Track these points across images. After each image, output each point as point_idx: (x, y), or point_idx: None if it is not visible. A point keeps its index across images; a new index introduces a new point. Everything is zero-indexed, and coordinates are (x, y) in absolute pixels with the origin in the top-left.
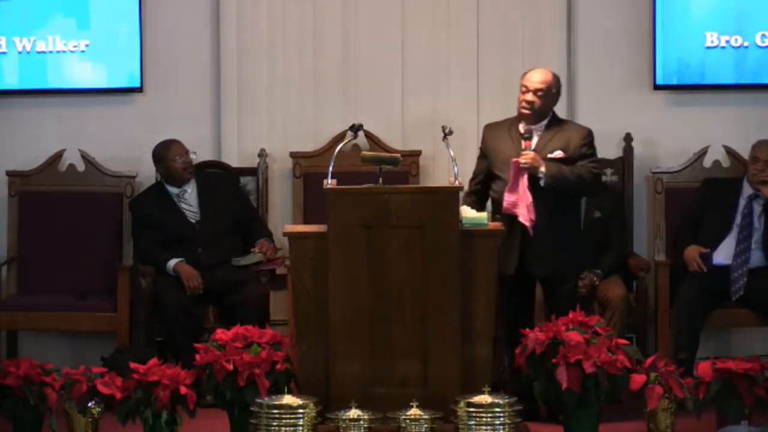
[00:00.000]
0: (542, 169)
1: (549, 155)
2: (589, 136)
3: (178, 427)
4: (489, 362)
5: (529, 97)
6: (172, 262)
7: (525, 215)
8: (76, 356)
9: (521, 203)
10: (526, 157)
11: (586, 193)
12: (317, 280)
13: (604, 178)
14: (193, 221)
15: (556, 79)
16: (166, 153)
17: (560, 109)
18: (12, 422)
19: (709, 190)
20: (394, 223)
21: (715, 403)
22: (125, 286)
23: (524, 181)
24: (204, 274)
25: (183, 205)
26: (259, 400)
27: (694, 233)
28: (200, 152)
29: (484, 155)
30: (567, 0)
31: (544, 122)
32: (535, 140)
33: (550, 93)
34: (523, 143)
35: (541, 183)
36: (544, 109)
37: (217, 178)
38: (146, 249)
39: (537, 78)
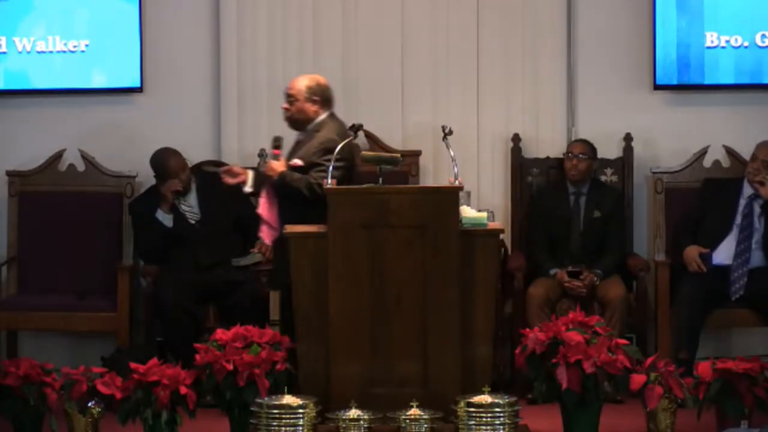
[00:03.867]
0: (275, 178)
1: (289, 163)
2: (321, 145)
3: (178, 427)
4: (489, 362)
5: (283, 104)
6: (159, 211)
7: (266, 232)
8: (76, 356)
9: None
10: (266, 167)
11: (308, 202)
12: (317, 280)
13: (603, 179)
14: (193, 221)
15: (311, 87)
16: (161, 171)
17: (561, 109)
18: (12, 422)
19: (709, 190)
20: (394, 223)
21: (715, 403)
22: (125, 286)
23: (265, 193)
24: (204, 274)
25: (183, 206)
26: (259, 400)
27: (694, 233)
28: (200, 152)
29: None
30: (567, 1)
31: (309, 127)
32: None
33: (304, 99)
34: (273, 151)
35: None
36: (299, 115)
37: (216, 178)
38: (147, 245)
39: (290, 85)
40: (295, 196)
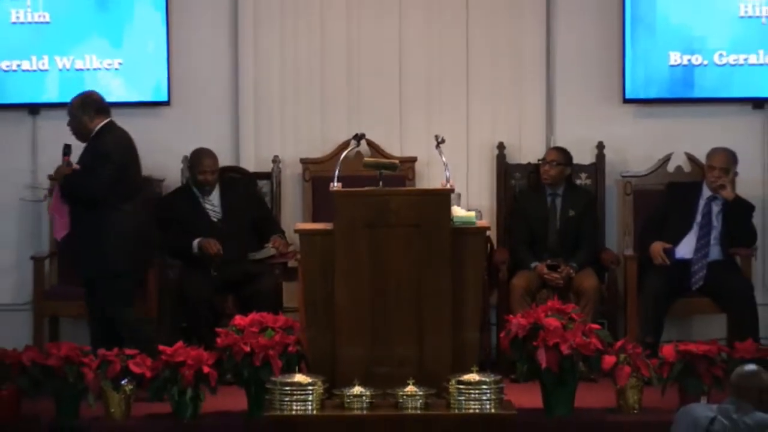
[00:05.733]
0: (60, 182)
1: (72, 167)
2: (95, 150)
3: (201, 402)
4: (477, 345)
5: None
6: (196, 241)
7: (58, 229)
8: None
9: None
10: (56, 172)
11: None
12: (324, 272)
13: (578, 182)
14: (215, 220)
15: (83, 101)
16: (197, 164)
17: (540, 120)
18: (54, 398)
19: (673, 192)
20: (393, 222)
21: (678, 381)
22: (154, 278)
23: (56, 194)
24: (224, 267)
25: (207, 205)
26: (273, 378)
27: (659, 230)
28: (221, 158)
29: None
30: (546, 24)
31: (92, 136)
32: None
33: (80, 114)
34: (63, 158)
35: None
36: (80, 128)
37: (238, 181)
38: (173, 241)
39: (70, 104)
40: (77, 198)
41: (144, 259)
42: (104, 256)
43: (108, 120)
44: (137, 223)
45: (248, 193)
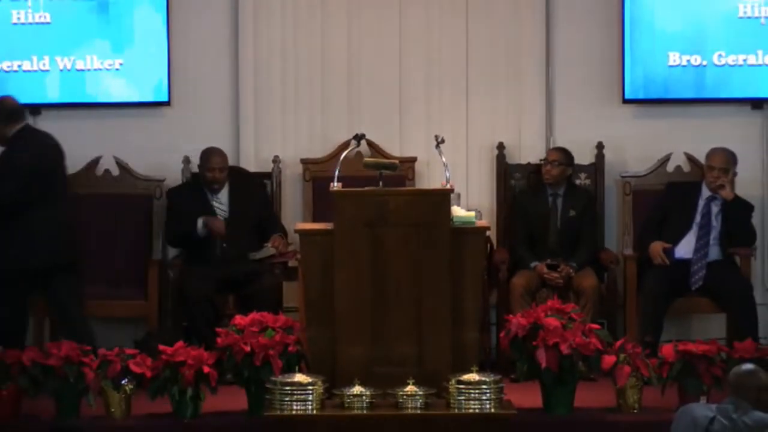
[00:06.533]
0: None
1: None
2: (4, 156)
3: (201, 402)
4: (476, 344)
5: None
6: (200, 219)
7: None
8: (111, 339)
9: None
10: None
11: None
12: (325, 272)
13: (578, 182)
14: (222, 218)
15: None
16: (205, 161)
17: (540, 121)
18: (54, 398)
19: (672, 192)
20: (393, 222)
21: (677, 381)
22: (155, 278)
23: None
24: (224, 266)
25: (215, 203)
26: (273, 378)
27: (658, 230)
28: None
29: None
30: (545, 24)
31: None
32: None
33: None
34: None
35: None
36: None
37: (247, 182)
38: (176, 227)
39: None
40: None
41: (43, 261)
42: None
43: (23, 125)
44: (47, 225)
45: (256, 193)
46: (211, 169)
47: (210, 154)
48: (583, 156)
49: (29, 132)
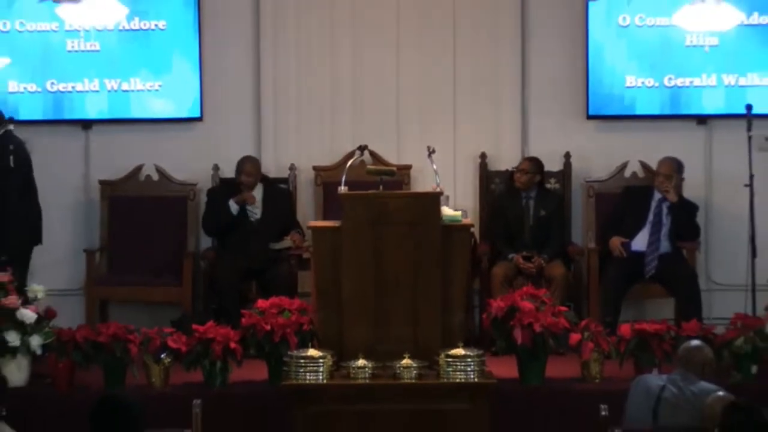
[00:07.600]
0: None
1: None
2: None
3: (228, 373)
4: (463, 324)
5: None
6: (231, 201)
7: None
8: (151, 320)
9: None
10: None
11: None
12: (333, 263)
13: (548, 186)
14: (253, 219)
15: None
16: (240, 167)
17: (516, 134)
18: (103, 370)
19: (628, 195)
20: (392, 221)
21: (633, 355)
22: (189, 267)
23: None
24: (249, 257)
25: (248, 207)
26: (289, 353)
27: (617, 227)
28: None
29: None
30: (521, 53)
31: None
32: None
33: None
34: None
35: None
36: None
37: (279, 190)
38: (214, 216)
39: None
40: None
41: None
42: None
43: (4, 130)
44: (20, 214)
45: (285, 201)
46: (246, 173)
47: (244, 162)
48: (553, 164)
49: (13, 138)
